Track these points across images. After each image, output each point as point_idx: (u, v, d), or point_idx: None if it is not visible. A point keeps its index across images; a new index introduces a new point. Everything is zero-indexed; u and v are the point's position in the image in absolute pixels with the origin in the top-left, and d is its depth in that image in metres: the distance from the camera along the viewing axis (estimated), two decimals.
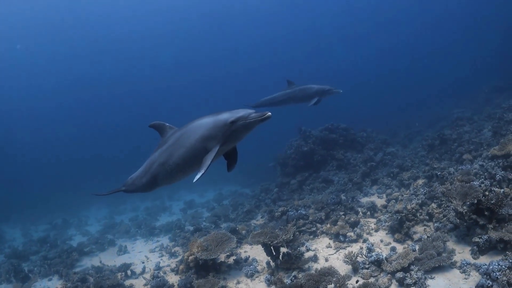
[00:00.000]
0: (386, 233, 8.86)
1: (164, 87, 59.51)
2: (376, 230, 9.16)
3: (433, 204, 8.83)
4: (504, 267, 5.87)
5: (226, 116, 4.65)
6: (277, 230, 8.56)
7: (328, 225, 9.70)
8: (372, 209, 10.23)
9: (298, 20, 59.27)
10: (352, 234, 9.06)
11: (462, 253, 7.11)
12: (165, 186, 5.87)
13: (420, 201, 8.88)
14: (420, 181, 10.63)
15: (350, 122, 18.15)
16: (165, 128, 5.53)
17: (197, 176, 4.62)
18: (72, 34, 53.40)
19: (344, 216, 9.78)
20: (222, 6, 56.57)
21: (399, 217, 8.34)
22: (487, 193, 7.26)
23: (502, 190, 7.63)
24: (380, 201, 10.90)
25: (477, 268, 6.40)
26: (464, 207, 7.24)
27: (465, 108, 21.19)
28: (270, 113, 4.44)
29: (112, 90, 57.75)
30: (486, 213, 6.95)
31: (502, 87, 22.13)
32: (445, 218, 8.12)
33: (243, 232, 11.29)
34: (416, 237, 8.08)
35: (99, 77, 57.61)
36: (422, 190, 9.64)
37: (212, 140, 4.68)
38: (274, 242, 8.04)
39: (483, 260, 6.69)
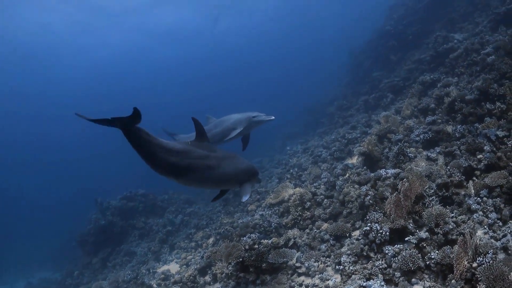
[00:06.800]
0: None
1: None
2: None
3: (219, 264, 8.87)
4: None
5: (256, 167, 6.07)
6: None
7: None
8: (167, 279, 9.90)
9: None
10: None
11: None
12: (176, 183, 5.42)
13: (199, 266, 8.84)
14: (211, 240, 10.76)
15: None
16: (204, 134, 5.49)
17: (246, 198, 5.60)
18: None
19: None
20: None
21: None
22: (256, 246, 7.58)
23: (271, 240, 8.03)
24: (176, 268, 10.67)
25: None
26: (230, 268, 7.40)
27: (262, 156, 22.61)
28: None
29: None
30: (251, 269, 7.17)
31: (297, 133, 24.28)
32: (226, 278, 8.20)
33: None
34: None
35: None
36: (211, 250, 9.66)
37: (245, 178, 5.80)
38: None
39: None
